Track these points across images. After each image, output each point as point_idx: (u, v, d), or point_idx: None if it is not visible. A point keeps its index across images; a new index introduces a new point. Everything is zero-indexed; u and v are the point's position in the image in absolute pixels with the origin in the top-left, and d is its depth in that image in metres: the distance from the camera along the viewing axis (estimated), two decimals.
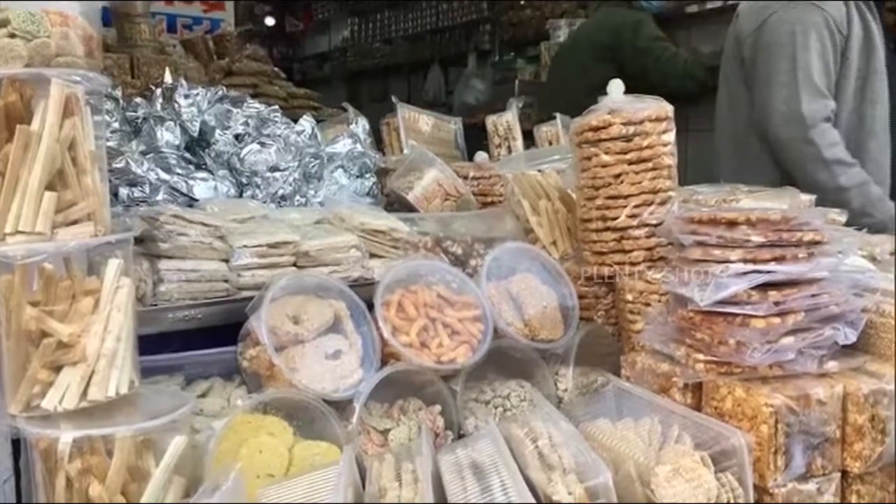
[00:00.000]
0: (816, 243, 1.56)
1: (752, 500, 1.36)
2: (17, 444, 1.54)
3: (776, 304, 1.49)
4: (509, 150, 2.91)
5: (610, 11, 4.28)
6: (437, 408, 1.71)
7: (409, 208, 2.41)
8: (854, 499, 1.50)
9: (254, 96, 3.37)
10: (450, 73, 9.63)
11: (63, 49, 1.33)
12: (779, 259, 1.53)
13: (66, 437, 1.30)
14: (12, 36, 1.28)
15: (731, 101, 3.04)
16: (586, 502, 1.27)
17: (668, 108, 1.93)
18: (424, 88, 9.61)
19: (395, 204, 2.48)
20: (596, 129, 1.91)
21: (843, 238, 1.75)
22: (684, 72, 3.87)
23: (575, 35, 4.75)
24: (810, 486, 1.46)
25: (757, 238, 1.53)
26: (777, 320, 1.49)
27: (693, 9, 5.56)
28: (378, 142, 2.97)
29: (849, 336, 1.54)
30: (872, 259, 1.98)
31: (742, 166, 2.93)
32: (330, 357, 1.63)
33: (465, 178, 2.57)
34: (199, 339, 1.74)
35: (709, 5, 5.58)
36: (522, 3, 8.13)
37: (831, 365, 1.54)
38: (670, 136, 1.93)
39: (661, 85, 3.74)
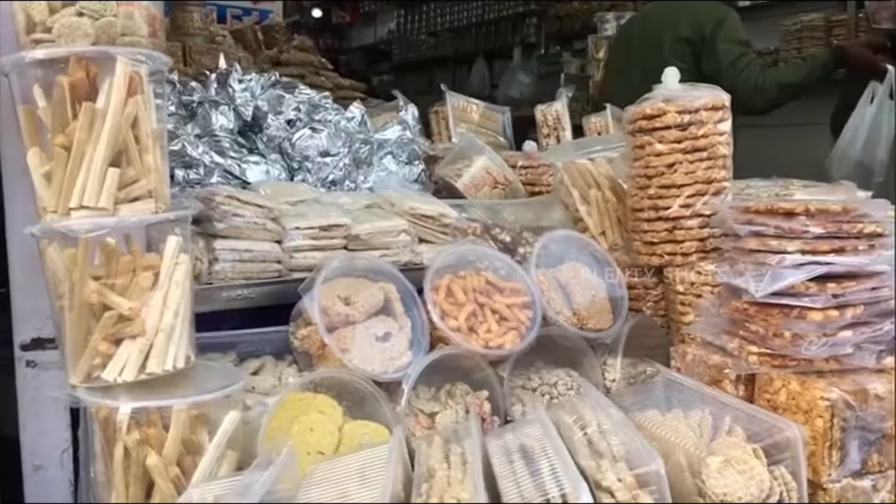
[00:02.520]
0: (878, 235, 1.53)
1: (805, 495, 1.33)
2: (74, 416, 1.59)
3: (834, 296, 1.46)
4: (558, 140, 2.89)
5: (695, 2, 3.72)
6: (484, 393, 1.71)
7: (457, 195, 2.41)
8: None
9: None
10: (495, 67, 9.58)
11: (128, 28, 1.36)
12: (838, 251, 1.49)
13: (125, 407, 1.33)
14: (80, 14, 1.31)
15: None
16: (637, 489, 1.26)
17: (724, 97, 1.90)
18: (469, 81, 9.58)
19: (443, 191, 2.49)
20: (650, 117, 1.89)
21: None
22: (755, 87, 3.32)
23: (647, 24, 4.07)
24: (865, 483, 1.43)
25: (816, 229, 1.50)
26: (835, 313, 1.46)
27: (745, 3, 5.46)
28: (426, 130, 2.98)
29: None
30: None
31: None
32: (380, 339, 1.65)
33: (514, 167, 2.57)
34: (251, 319, 1.77)
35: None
36: None
37: (890, 360, 1.50)
38: (726, 126, 1.90)
39: (730, 94, 3.43)
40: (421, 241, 2.05)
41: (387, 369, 1.62)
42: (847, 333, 1.47)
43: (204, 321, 1.59)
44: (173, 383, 1.41)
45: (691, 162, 1.87)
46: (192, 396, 1.36)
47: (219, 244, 1.77)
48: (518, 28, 9.24)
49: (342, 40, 12.57)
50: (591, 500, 1.16)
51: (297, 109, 2.39)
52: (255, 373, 1.67)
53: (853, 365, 1.49)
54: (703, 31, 3.48)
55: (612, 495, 1.25)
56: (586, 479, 1.27)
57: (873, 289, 1.49)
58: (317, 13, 11.71)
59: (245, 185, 2.14)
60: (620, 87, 3.68)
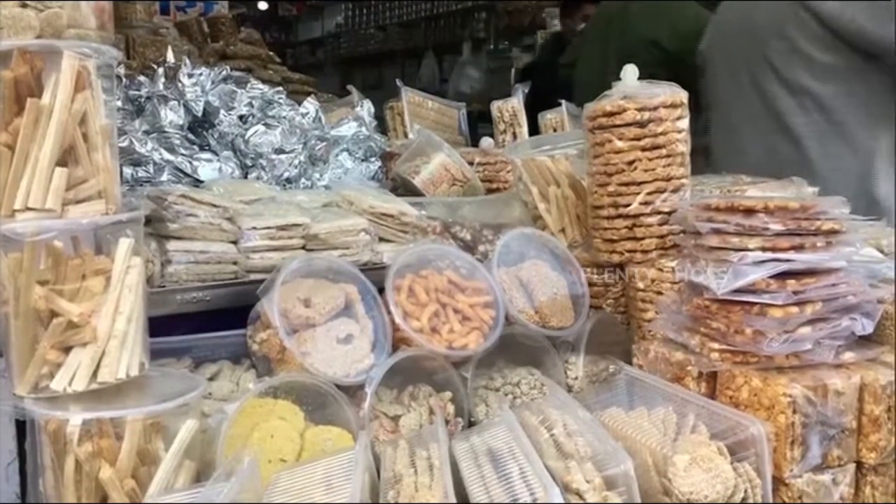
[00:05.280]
0: (835, 232, 1.55)
1: (770, 492, 1.34)
2: (20, 427, 1.52)
3: (795, 293, 1.47)
4: (514, 136, 2.88)
5: (675, 6, 3.53)
6: (448, 394, 1.69)
7: (415, 192, 2.38)
8: (868, 490, 1.49)
9: None
10: (444, 61, 9.58)
11: (75, 20, 1.30)
12: (797, 248, 1.51)
13: (75, 419, 1.27)
14: (24, 5, 1.24)
15: None
16: (606, 491, 1.25)
17: (682, 95, 1.90)
18: (418, 76, 9.54)
19: (401, 188, 2.46)
20: (610, 114, 1.88)
21: (860, 228, 1.74)
22: None
23: (612, 23, 3.94)
24: (825, 477, 1.44)
25: (775, 226, 1.51)
26: (795, 310, 1.47)
27: None
28: (381, 126, 2.94)
29: (866, 327, 1.52)
30: (879, 251, 1.97)
31: None
32: (342, 341, 1.61)
33: (471, 163, 2.54)
34: (206, 322, 1.71)
35: None
36: None
37: (848, 355, 1.52)
38: (684, 123, 1.90)
39: None
40: (381, 240, 2.01)
41: (349, 372, 1.58)
42: (807, 330, 1.49)
43: (157, 325, 1.53)
44: (127, 391, 1.35)
45: (651, 159, 1.87)
46: (149, 406, 1.31)
47: (172, 245, 1.71)
48: (467, 23, 9.25)
49: (289, 34, 12.40)
50: (563, 503, 1.15)
51: (250, 105, 2.32)
52: (211, 378, 1.62)
53: (812, 361, 1.50)
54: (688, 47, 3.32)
55: (581, 497, 1.24)
56: (554, 481, 1.26)
57: (832, 285, 1.51)
58: (263, 5, 11.51)
59: (197, 183, 2.08)
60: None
